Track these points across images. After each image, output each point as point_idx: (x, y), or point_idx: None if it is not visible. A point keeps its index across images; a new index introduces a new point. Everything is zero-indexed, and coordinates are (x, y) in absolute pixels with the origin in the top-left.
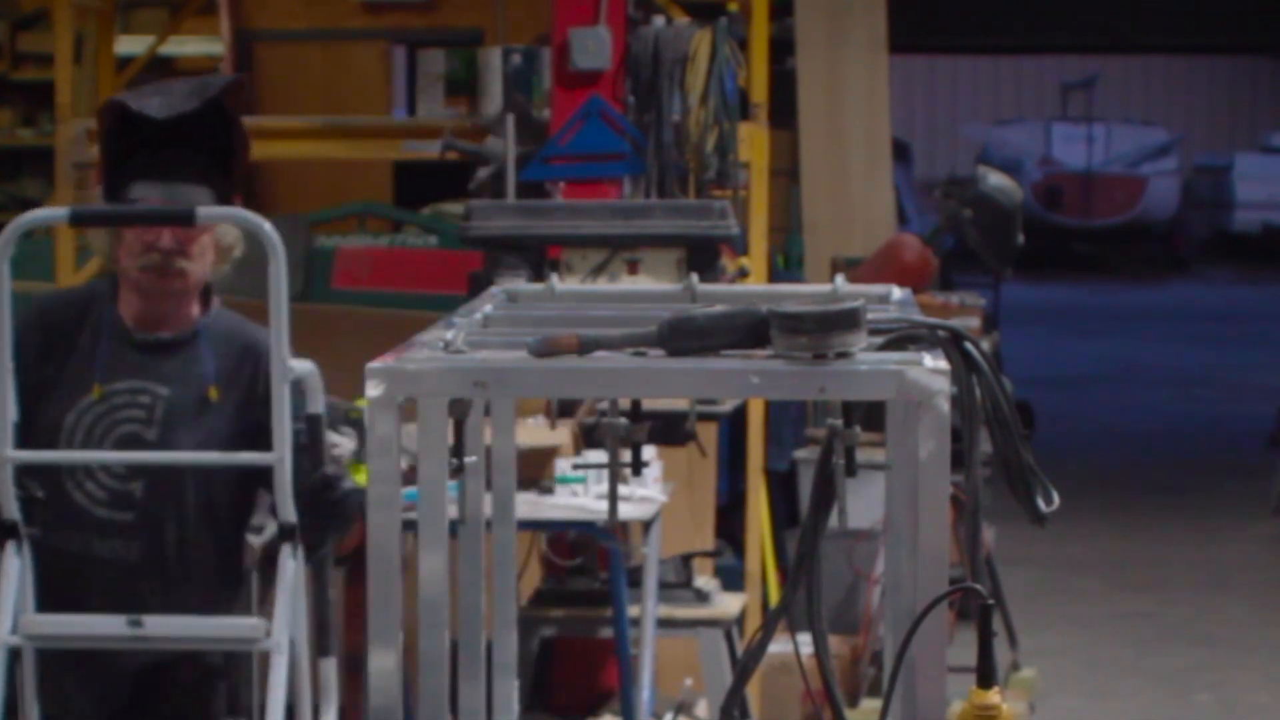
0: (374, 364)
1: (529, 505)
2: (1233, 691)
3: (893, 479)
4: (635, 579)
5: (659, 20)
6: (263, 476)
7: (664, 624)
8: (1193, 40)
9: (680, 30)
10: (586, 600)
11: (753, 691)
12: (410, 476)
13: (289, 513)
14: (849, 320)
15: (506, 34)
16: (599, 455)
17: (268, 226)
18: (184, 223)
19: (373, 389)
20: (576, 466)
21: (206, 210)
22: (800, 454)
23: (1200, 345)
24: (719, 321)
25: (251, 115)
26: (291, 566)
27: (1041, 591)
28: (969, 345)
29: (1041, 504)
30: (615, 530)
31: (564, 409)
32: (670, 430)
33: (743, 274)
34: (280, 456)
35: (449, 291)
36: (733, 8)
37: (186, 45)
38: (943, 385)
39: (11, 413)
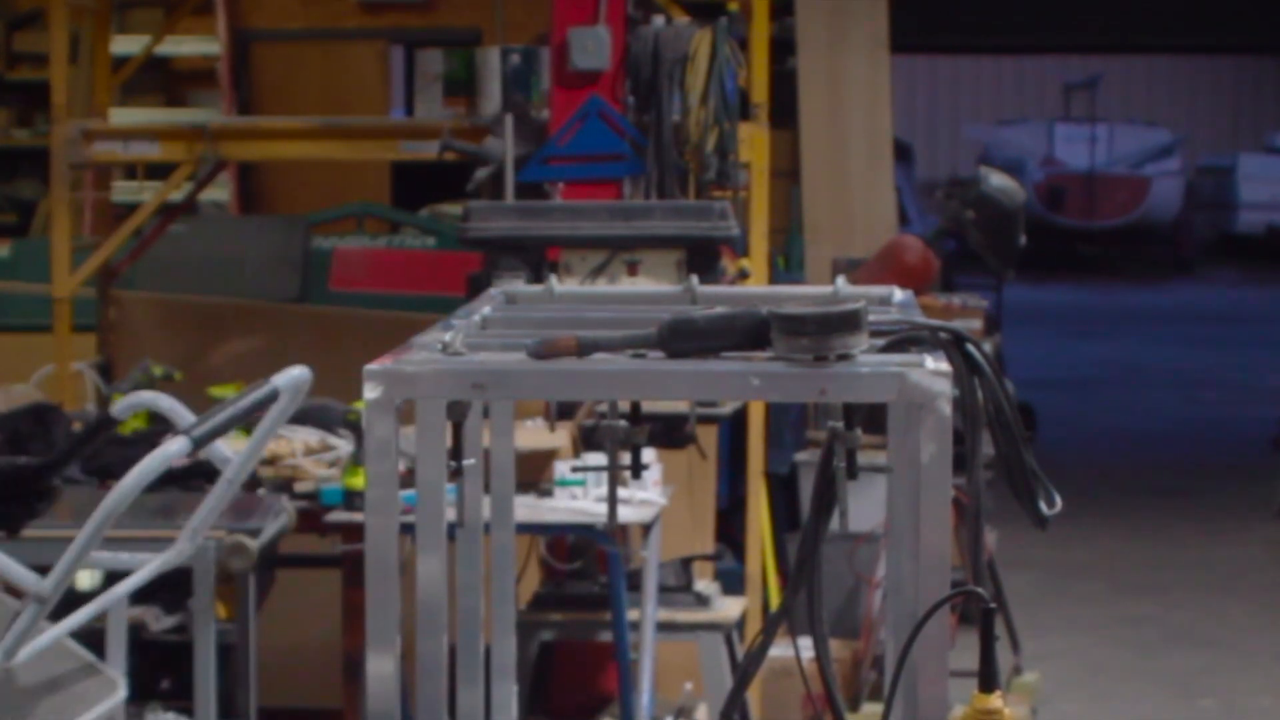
0: (372, 366)
1: (528, 508)
2: (1236, 695)
3: (894, 482)
4: (635, 582)
5: (659, 20)
6: None
7: (664, 628)
8: (1196, 40)
9: (680, 30)
10: (586, 604)
11: (753, 696)
12: (408, 479)
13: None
14: (850, 322)
15: (505, 34)
16: (598, 458)
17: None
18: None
19: (370, 391)
20: (576, 469)
21: None
22: (801, 457)
23: (1204, 347)
24: (719, 323)
25: (249, 115)
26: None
27: (1044, 595)
28: (971, 347)
29: (1044, 507)
30: (615, 533)
31: (563, 411)
32: (670, 433)
33: (743, 275)
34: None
35: (447, 293)
36: (733, 7)
37: (183, 45)
38: (944, 387)
39: None
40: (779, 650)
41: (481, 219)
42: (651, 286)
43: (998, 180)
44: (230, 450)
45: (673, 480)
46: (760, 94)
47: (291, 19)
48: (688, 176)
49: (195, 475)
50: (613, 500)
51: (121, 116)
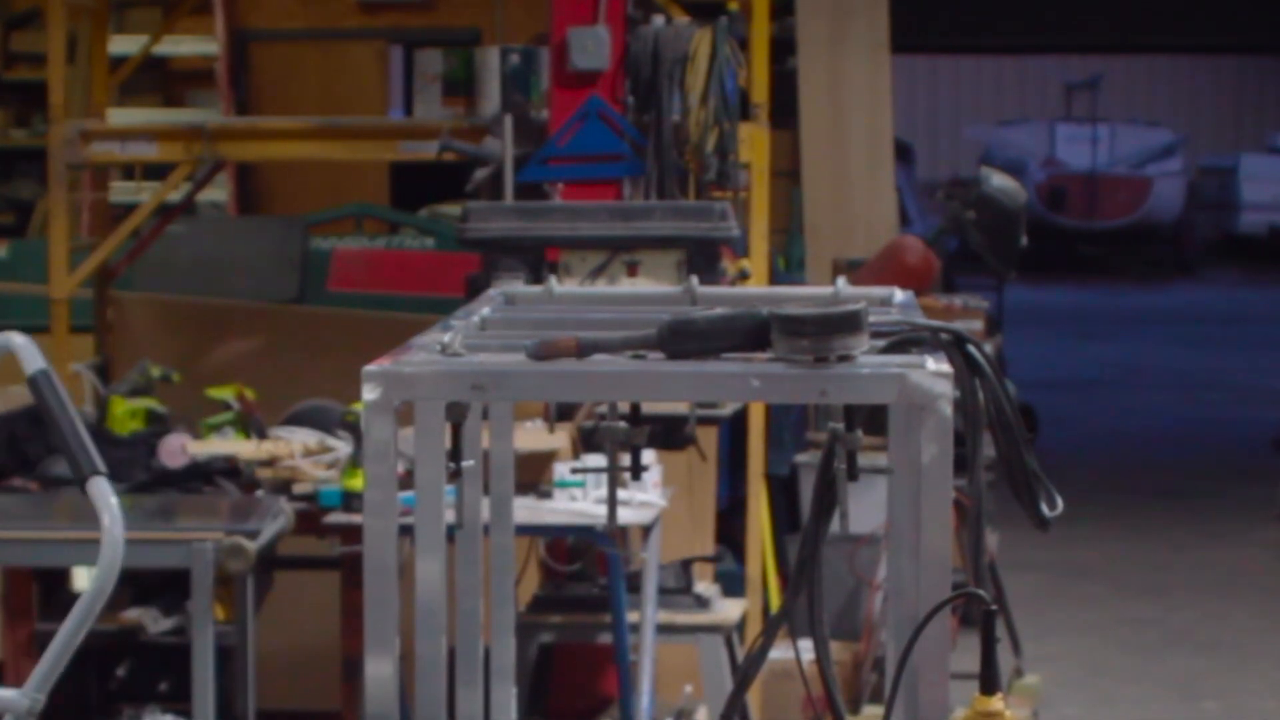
0: (370, 367)
1: (527, 510)
2: (1239, 698)
3: (895, 483)
4: (634, 584)
5: (659, 19)
6: None
7: (664, 630)
8: (1198, 40)
9: (680, 30)
10: (585, 606)
11: (753, 698)
12: (407, 481)
13: None
14: (851, 323)
15: (504, 33)
16: (598, 459)
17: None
18: None
19: (369, 392)
20: (575, 470)
21: None
22: (801, 458)
23: (1205, 348)
24: (719, 324)
25: (247, 116)
26: None
27: (1045, 597)
28: (972, 348)
29: (1045, 508)
30: (614, 535)
31: (562, 412)
32: (670, 434)
33: (743, 276)
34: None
35: (446, 294)
36: (733, 7)
37: (181, 45)
38: (945, 389)
39: None
40: (779, 652)
41: (480, 220)
42: (651, 287)
43: (999, 181)
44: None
45: (673, 482)
46: (760, 94)
47: (290, 19)
48: (688, 177)
49: (193, 477)
50: (612, 502)
51: (119, 117)
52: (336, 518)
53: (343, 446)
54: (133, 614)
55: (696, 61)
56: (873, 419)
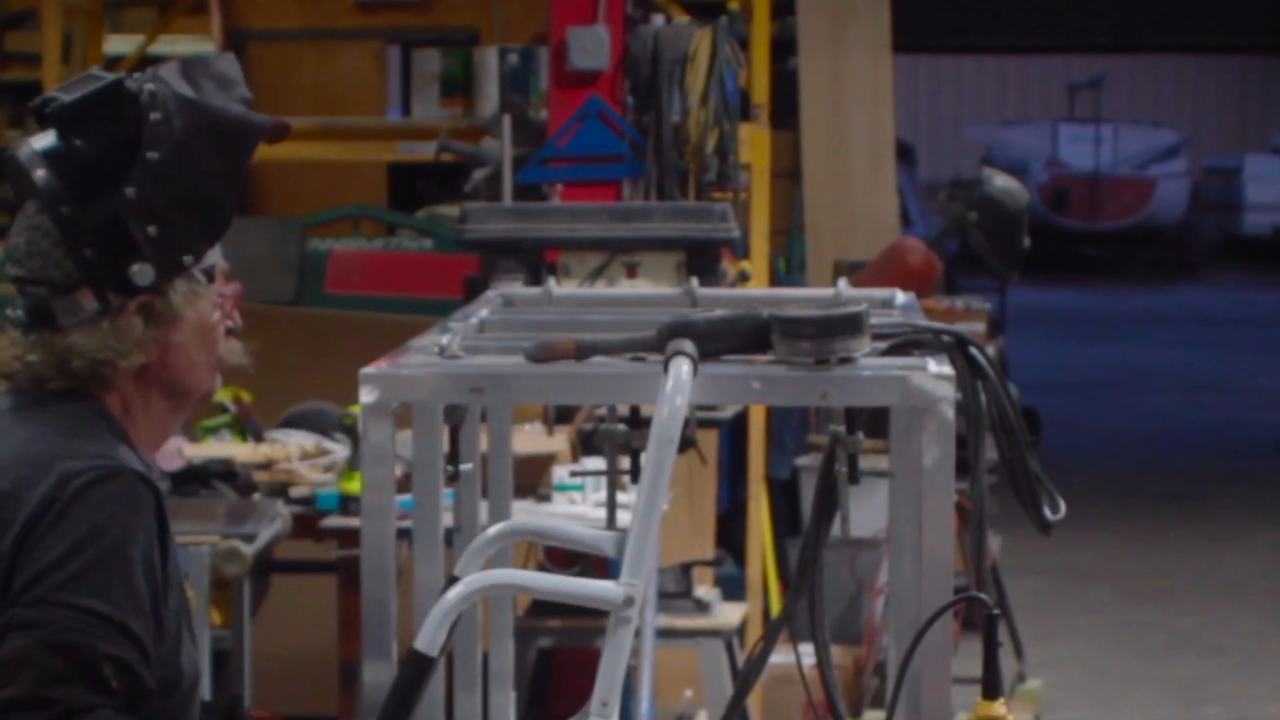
0: (368, 369)
1: (526, 513)
2: (1243, 703)
3: (896, 487)
4: None
5: (658, 19)
6: None
7: (664, 634)
8: (1202, 40)
9: (680, 29)
10: (584, 610)
11: (754, 703)
12: (405, 484)
13: None
14: (852, 325)
15: (503, 33)
16: (597, 462)
17: None
18: None
19: (367, 395)
20: (574, 474)
21: None
22: (802, 461)
23: (1209, 350)
24: (719, 326)
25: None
26: None
27: (1048, 601)
28: (974, 350)
29: (1048, 512)
30: None
31: (561, 415)
32: None
33: (743, 278)
34: None
35: (444, 296)
36: (733, 6)
37: (177, 45)
38: (947, 391)
39: None
40: (780, 657)
41: (479, 221)
42: (651, 289)
43: (1001, 181)
44: None
45: (673, 485)
46: (761, 94)
47: (287, 18)
48: (687, 178)
49: (189, 480)
50: (612, 505)
51: None
52: (334, 521)
53: (340, 449)
54: None
55: (696, 61)
56: (874, 422)
